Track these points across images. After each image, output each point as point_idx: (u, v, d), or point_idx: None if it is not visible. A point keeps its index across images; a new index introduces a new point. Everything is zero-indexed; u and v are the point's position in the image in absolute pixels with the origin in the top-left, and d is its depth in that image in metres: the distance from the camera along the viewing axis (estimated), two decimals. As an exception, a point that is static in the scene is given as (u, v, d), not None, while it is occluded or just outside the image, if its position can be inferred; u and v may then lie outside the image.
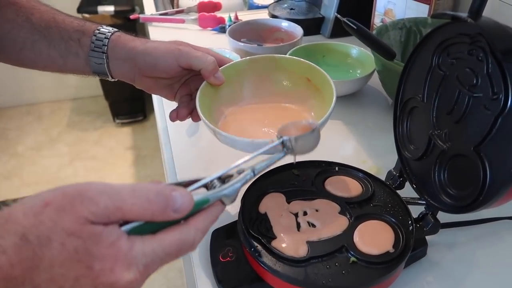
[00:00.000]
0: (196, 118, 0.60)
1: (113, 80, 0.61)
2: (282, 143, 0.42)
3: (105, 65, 0.58)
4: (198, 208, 0.35)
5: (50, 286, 0.29)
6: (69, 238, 0.29)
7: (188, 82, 0.61)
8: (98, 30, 0.58)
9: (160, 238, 0.33)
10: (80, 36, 0.58)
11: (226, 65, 0.60)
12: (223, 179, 0.39)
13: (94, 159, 2.24)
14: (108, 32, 0.58)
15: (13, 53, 0.60)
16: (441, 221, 0.51)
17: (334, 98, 0.54)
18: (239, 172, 0.39)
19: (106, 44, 0.58)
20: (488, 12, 0.79)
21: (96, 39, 0.58)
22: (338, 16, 0.71)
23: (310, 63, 0.62)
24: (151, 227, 0.33)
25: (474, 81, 0.43)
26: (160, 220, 0.32)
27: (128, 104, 2.38)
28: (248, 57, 0.64)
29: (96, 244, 0.30)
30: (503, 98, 0.39)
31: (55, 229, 0.29)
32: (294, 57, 0.63)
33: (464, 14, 0.43)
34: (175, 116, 0.60)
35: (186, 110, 0.60)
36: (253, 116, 0.62)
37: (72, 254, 0.29)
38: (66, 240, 0.29)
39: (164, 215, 0.32)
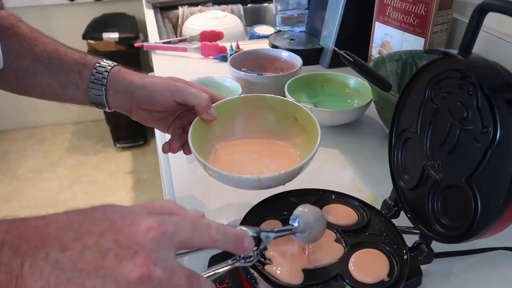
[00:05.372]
0: (188, 151, 0.62)
1: (109, 110, 0.63)
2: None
3: (103, 96, 0.61)
4: None
5: (74, 244, 0.30)
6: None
7: (182, 116, 0.63)
8: (99, 63, 0.61)
9: None
10: (81, 68, 0.61)
11: (218, 102, 0.63)
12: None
13: (94, 183, 2.24)
14: (108, 65, 0.61)
15: (14, 82, 0.62)
16: (436, 251, 0.52)
17: (319, 139, 0.57)
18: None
19: (105, 77, 0.60)
20: (483, 45, 0.82)
21: (96, 72, 0.60)
22: (336, 49, 0.73)
23: (298, 104, 0.64)
24: None
25: (465, 115, 0.45)
26: None
27: (129, 129, 2.40)
28: (239, 95, 0.66)
29: (120, 206, 0.34)
30: (492, 132, 0.41)
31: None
32: (283, 98, 0.65)
33: (454, 51, 0.45)
34: (167, 148, 0.63)
35: (178, 143, 0.62)
36: (243, 151, 0.64)
37: (100, 214, 0.32)
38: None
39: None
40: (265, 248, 0.50)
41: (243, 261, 0.40)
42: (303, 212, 0.46)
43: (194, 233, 0.34)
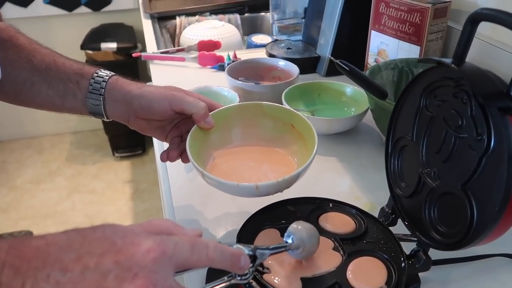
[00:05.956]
0: (186, 160, 0.62)
1: (108, 120, 0.64)
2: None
3: (102, 106, 0.61)
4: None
5: (75, 265, 0.31)
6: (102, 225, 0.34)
7: (179, 124, 0.64)
8: (97, 73, 0.62)
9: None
10: (79, 78, 0.61)
11: (216, 110, 0.63)
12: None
13: (93, 192, 2.24)
14: (106, 75, 0.62)
15: (13, 93, 0.63)
16: (434, 258, 0.52)
17: (316, 146, 0.57)
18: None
19: (103, 86, 0.61)
20: (477, 53, 0.83)
21: (94, 82, 0.61)
22: (332, 58, 0.74)
23: (294, 111, 0.65)
24: None
25: (460, 123, 0.45)
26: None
27: (127, 138, 2.40)
28: (236, 103, 0.67)
29: (119, 225, 0.34)
30: (486, 139, 0.41)
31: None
32: (279, 105, 0.66)
33: (448, 60, 0.46)
34: (165, 157, 0.63)
35: (176, 151, 0.62)
36: (240, 158, 0.65)
37: (100, 234, 0.33)
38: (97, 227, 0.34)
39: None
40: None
41: (238, 278, 0.41)
42: (297, 229, 0.48)
43: (193, 253, 0.34)
